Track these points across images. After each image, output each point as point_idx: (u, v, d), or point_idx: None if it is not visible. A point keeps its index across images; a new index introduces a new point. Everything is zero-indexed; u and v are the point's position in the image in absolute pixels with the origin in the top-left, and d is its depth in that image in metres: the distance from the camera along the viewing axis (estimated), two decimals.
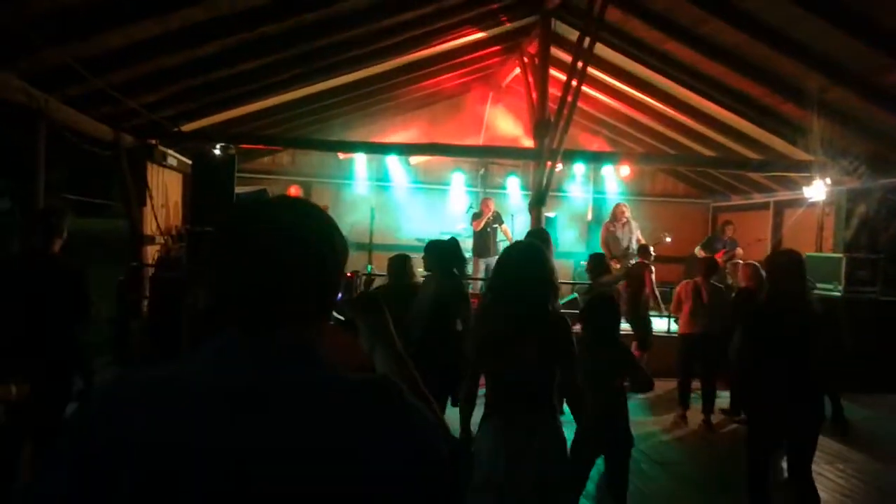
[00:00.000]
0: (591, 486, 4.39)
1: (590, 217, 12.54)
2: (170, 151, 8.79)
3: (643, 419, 6.56)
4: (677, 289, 7.08)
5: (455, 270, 4.92)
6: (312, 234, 1.01)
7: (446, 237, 10.81)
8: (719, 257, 10.05)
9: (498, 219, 10.24)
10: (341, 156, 11.14)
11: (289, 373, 0.94)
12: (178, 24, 5.06)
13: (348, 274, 9.43)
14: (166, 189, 9.21)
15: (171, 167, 9.18)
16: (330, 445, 0.89)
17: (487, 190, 12.11)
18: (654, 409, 7.10)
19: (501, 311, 2.95)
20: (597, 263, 7.14)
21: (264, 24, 5.50)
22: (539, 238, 6.18)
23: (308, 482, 0.87)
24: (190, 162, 8.86)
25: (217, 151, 7.86)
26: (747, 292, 6.50)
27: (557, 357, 2.89)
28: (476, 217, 10.24)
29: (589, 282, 7.26)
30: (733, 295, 7.01)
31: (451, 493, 0.97)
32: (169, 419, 0.89)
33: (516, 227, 10.48)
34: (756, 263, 6.34)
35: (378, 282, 8.44)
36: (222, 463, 0.87)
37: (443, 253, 4.88)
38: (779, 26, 6.23)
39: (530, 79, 8.96)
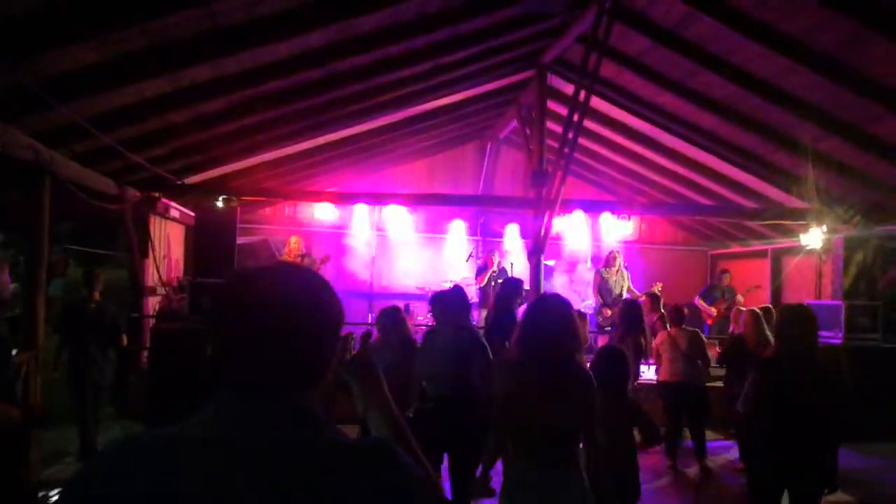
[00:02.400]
0: None
1: (589, 264, 12.59)
2: (173, 204, 8.91)
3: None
4: (654, 342, 7.10)
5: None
6: (306, 299, 1.06)
7: (448, 286, 10.92)
8: (719, 306, 10.08)
9: (503, 273, 10.24)
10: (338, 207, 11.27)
11: (280, 435, 0.96)
12: (187, 81, 5.21)
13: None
14: (168, 241, 9.29)
15: (173, 219, 9.28)
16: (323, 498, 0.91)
17: (487, 238, 12.20)
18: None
19: (533, 367, 2.94)
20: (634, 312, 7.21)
21: (269, 81, 5.64)
22: (513, 288, 6.29)
23: None
24: (193, 214, 8.96)
25: (219, 203, 7.98)
26: (738, 338, 6.54)
27: (582, 412, 2.91)
28: (481, 272, 10.28)
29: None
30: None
31: None
32: (166, 477, 0.91)
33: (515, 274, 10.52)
34: (757, 311, 6.38)
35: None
36: None
37: (451, 304, 4.61)
38: (768, 78, 6.39)
39: (527, 131, 9.12)
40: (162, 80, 4.90)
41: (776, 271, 11.27)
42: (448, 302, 4.61)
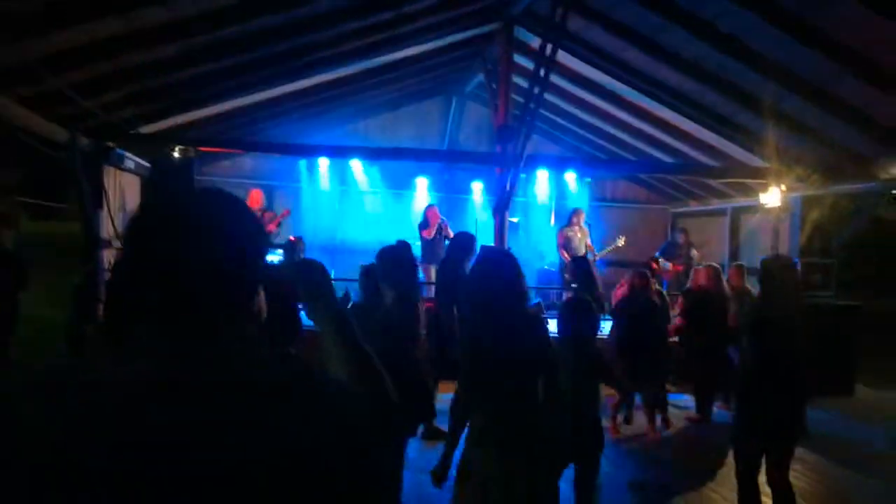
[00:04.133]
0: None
1: (553, 222, 12.65)
2: (128, 154, 8.61)
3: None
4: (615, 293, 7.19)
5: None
6: (222, 222, 1.00)
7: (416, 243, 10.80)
8: (678, 268, 10.24)
9: (446, 227, 10.06)
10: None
11: (201, 359, 0.92)
12: (139, 23, 4.97)
13: (291, 238, 9.29)
14: (124, 192, 9.01)
15: (129, 170, 8.98)
16: (242, 424, 0.87)
17: (452, 195, 12.14)
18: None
19: (489, 322, 2.97)
20: (583, 271, 6.87)
21: (226, 27, 5.43)
22: (464, 243, 6.09)
23: (219, 462, 0.85)
24: (149, 165, 8.70)
25: (175, 154, 7.73)
26: (700, 294, 6.65)
27: (543, 359, 2.95)
28: (424, 227, 10.12)
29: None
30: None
31: (376, 467, 0.96)
32: (68, 413, 0.86)
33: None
34: (717, 266, 6.50)
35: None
36: (132, 450, 0.83)
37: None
38: (735, 34, 6.37)
39: (493, 86, 9.01)
40: (114, 19, 4.66)
41: (734, 230, 11.47)
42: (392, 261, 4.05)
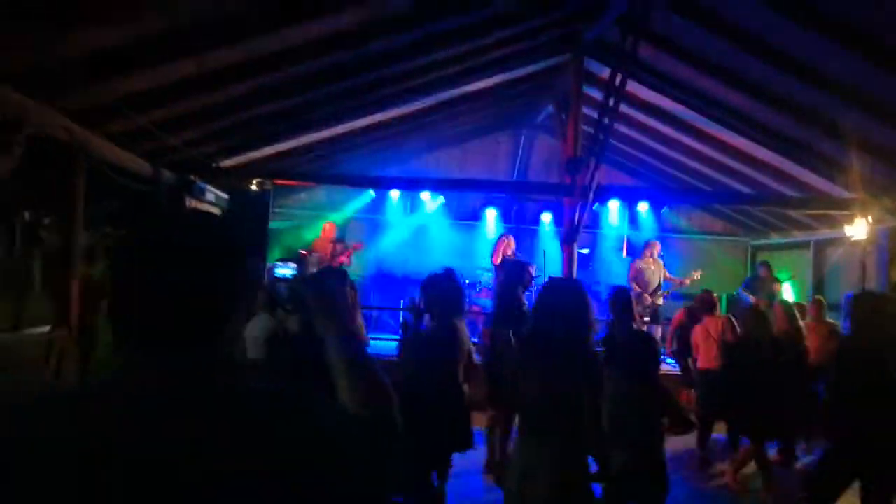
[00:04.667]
0: None
1: (625, 253, 12.43)
2: (209, 187, 9.00)
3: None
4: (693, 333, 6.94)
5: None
6: (208, 248, 1.02)
7: (481, 272, 10.80)
8: (760, 303, 9.83)
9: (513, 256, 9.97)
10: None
11: (186, 388, 0.94)
12: (213, 64, 5.22)
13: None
14: None
15: (209, 202, 9.38)
16: (223, 444, 0.89)
17: (521, 226, 12.10)
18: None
19: (541, 346, 3.00)
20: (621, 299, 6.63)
21: (299, 64, 5.63)
22: (511, 270, 6.07)
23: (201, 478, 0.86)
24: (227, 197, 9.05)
25: (253, 187, 8.04)
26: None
27: (587, 392, 2.94)
28: (493, 254, 10.10)
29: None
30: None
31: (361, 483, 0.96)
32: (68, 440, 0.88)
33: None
34: (788, 303, 6.26)
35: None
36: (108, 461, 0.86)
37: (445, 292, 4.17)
38: (806, 59, 6.16)
39: (563, 117, 8.99)
40: (187, 62, 4.91)
41: (818, 263, 10.95)
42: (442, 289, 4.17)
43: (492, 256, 10.00)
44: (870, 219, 8.20)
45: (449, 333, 4.06)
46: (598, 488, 3.08)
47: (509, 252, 9.92)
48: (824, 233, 10.58)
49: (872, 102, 6.39)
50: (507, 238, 10.08)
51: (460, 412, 4.12)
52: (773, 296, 9.55)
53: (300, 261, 7.10)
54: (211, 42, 4.80)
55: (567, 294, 3.02)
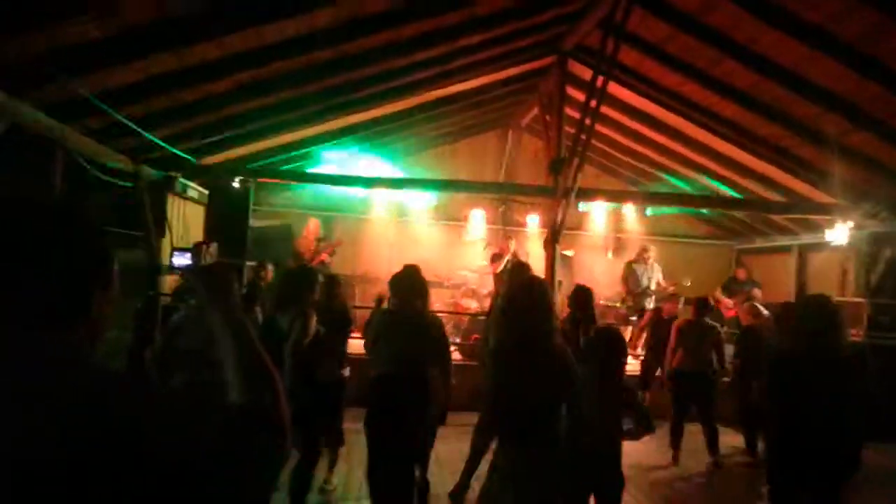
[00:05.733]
0: None
1: (609, 256, 12.47)
2: (191, 184, 8.97)
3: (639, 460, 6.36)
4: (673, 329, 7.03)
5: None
6: (45, 232, 1.03)
7: (466, 273, 10.81)
8: (738, 300, 9.90)
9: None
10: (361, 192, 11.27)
11: (25, 375, 0.95)
12: (194, 59, 5.21)
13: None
14: (187, 220, 9.37)
15: (192, 199, 9.35)
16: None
17: (507, 228, 12.10)
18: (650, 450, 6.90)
19: (515, 349, 3.02)
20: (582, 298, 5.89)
21: (277, 61, 5.61)
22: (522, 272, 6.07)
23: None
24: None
25: (236, 185, 8.01)
26: (751, 331, 6.55)
27: (563, 390, 2.94)
28: (496, 259, 10.12)
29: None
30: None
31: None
32: None
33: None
34: (756, 304, 6.42)
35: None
36: None
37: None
38: (791, 67, 6.20)
39: (547, 118, 9.01)
40: (167, 56, 4.89)
41: (801, 267, 11.02)
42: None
43: (492, 264, 9.98)
44: (850, 224, 8.25)
45: (414, 313, 4.23)
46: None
47: (511, 254, 9.92)
48: (806, 238, 10.64)
49: (853, 109, 6.43)
50: (510, 242, 10.12)
51: (427, 394, 4.16)
52: (751, 298, 9.61)
53: (195, 251, 7.07)
54: (190, 37, 4.79)
55: (528, 294, 3.02)
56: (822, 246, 9.47)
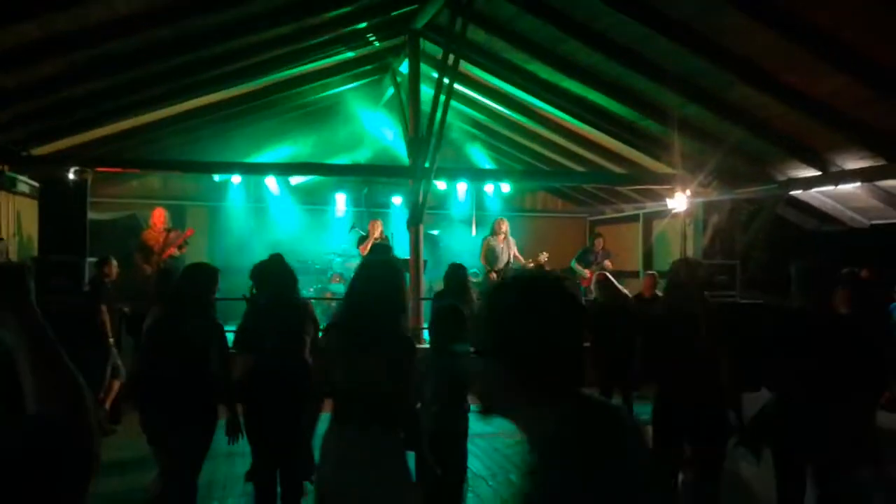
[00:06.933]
0: None
1: (474, 233, 12.70)
2: (21, 177, 8.21)
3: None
4: None
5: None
6: None
7: (332, 256, 10.60)
8: (592, 270, 10.43)
9: (385, 242, 10.02)
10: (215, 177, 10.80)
11: None
12: (11, 40, 4.73)
13: None
14: (19, 217, 8.58)
15: (24, 194, 8.56)
16: None
17: (372, 209, 12.01)
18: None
19: (356, 330, 2.90)
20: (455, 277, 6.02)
21: (110, 41, 5.21)
22: (383, 253, 6.05)
23: None
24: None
25: (71, 176, 7.39)
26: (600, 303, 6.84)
27: (400, 375, 2.87)
28: (362, 241, 10.03)
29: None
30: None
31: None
32: None
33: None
34: (604, 273, 6.72)
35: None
36: None
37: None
38: (630, 45, 6.51)
39: (403, 97, 9.00)
40: None
41: (647, 234, 11.77)
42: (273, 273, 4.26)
43: (359, 247, 9.91)
44: (688, 192, 8.87)
45: (285, 302, 4.12)
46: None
47: (377, 234, 9.87)
48: (651, 206, 11.36)
49: (686, 83, 6.84)
50: (376, 224, 10.03)
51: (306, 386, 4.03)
52: (603, 268, 10.16)
53: None
54: (4, 16, 4.34)
55: (379, 274, 2.96)
56: (664, 213, 10.14)
